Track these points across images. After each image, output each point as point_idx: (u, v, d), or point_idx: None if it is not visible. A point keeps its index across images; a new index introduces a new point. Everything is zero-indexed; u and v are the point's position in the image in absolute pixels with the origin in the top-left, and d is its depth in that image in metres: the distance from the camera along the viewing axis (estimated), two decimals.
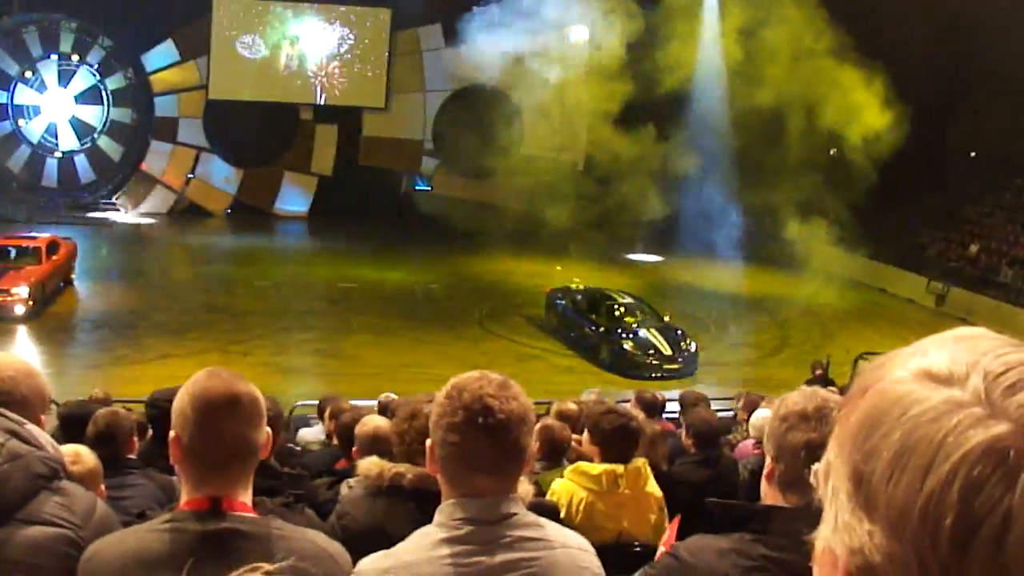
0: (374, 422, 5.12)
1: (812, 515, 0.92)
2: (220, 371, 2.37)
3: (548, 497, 4.83)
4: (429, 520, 2.31)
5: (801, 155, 26.27)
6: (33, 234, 25.03)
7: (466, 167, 35.67)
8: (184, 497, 2.31)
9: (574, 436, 6.35)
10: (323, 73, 37.82)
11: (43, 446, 2.50)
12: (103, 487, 3.94)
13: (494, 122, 31.49)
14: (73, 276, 25.17)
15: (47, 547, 2.38)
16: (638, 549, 4.72)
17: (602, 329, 21.38)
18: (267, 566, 1.79)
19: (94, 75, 37.07)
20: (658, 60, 27.75)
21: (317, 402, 11.11)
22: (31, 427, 2.53)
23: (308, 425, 10.30)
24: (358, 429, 5.11)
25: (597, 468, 4.91)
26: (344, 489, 4.37)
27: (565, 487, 4.92)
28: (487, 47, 30.26)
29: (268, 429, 2.39)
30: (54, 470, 2.48)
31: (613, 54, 28.81)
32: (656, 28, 28.07)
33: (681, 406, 9.67)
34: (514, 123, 34.00)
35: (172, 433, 2.29)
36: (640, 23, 28.41)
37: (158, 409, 5.80)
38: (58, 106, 37.02)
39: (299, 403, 13.47)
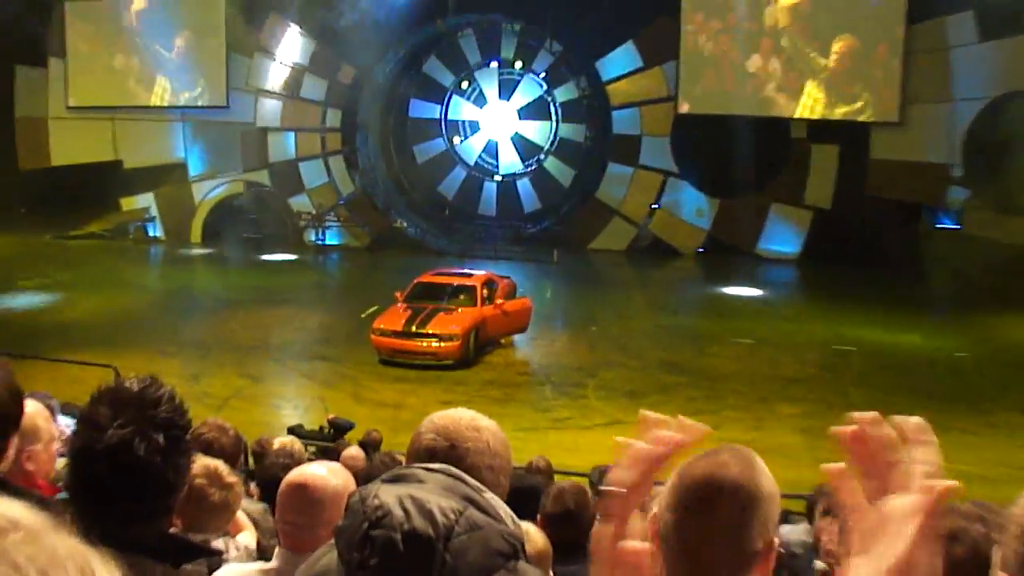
0: None
1: None
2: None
3: None
4: None
5: None
6: (467, 271, 25.37)
7: (1006, 200, 31.32)
8: None
9: None
10: (822, 79, 33.93)
11: (503, 519, 2.41)
12: (551, 573, 4.23)
13: None
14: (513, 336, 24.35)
15: None
16: None
17: None
18: None
19: (540, 85, 37.49)
20: None
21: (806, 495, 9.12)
22: (490, 496, 2.46)
23: (788, 522, 8.09)
24: None
25: None
26: None
27: None
28: None
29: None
30: (514, 548, 2.37)
31: None
32: None
33: None
34: None
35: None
36: None
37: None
38: (499, 122, 37.67)
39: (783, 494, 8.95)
